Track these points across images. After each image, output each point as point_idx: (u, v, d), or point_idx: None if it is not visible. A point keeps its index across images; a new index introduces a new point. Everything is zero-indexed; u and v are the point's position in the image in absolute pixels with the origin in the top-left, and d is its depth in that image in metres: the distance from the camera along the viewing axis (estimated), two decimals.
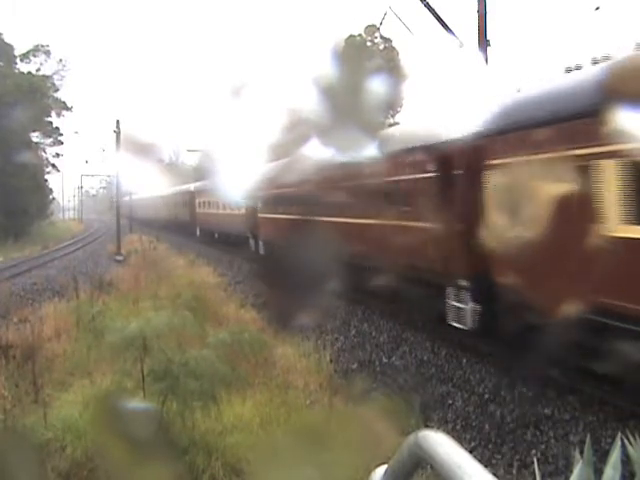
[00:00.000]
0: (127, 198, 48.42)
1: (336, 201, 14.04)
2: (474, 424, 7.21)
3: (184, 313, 6.67)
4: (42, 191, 46.32)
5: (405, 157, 11.86)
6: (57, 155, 49.20)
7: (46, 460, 4.79)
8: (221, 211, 30.04)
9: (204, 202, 34.65)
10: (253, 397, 6.73)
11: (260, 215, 22.77)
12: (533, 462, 4.39)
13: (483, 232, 8.82)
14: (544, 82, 9.97)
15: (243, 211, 25.79)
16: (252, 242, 24.51)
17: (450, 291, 10.32)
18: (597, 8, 15.64)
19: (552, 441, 6.54)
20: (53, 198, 57.81)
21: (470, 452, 1.23)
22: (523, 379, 7.91)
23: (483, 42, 14.84)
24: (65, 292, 14.38)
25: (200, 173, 39.77)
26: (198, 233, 36.70)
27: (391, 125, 26.68)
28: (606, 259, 6.41)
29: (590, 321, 6.72)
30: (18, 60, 43.58)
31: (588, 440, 2.67)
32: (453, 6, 35.01)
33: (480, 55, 14.85)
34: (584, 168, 6.98)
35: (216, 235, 32.37)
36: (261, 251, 22.74)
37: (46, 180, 48.93)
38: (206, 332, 7.60)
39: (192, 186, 37.76)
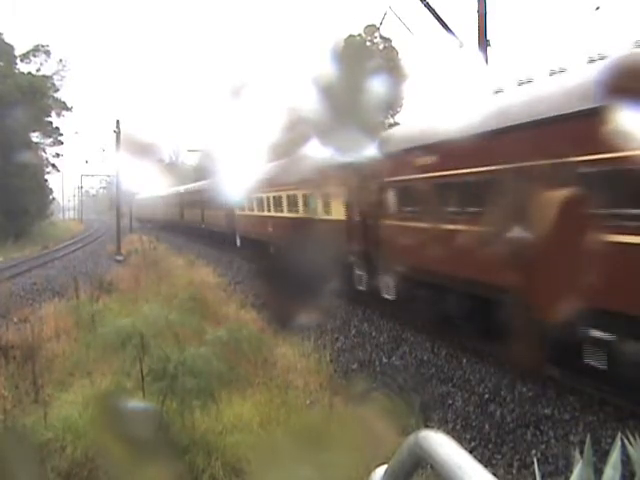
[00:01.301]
0: (135, 197, 46.26)
1: None
2: (474, 424, 7.20)
3: (181, 310, 6.65)
4: (42, 191, 46.30)
5: None
6: (57, 155, 49.24)
7: (46, 460, 4.79)
8: (287, 214, 19.50)
9: (250, 199, 23.97)
10: (253, 397, 6.73)
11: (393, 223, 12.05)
12: (533, 462, 4.39)
13: None
14: None
15: (341, 215, 14.77)
16: (362, 275, 13.77)
17: None
18: (597, 8, 15.64)
19: (552, 441, 6.53)
20: (53, 198, 57.79)
21: (470, 452, 1.23)
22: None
23: (483, 42, 14.85)
24: (65, 292, 14.39)
25: (200, 173, 39.40)
26: (239, 243, 26.64)
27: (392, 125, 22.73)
28: None
29: None
30: (18, 60, 43.55)
31: (588, 440, 2.67)
32: (453, 6, 35.14)
33: (480, 55, 14.86)
34: None
35: (272, 249, 19.87)
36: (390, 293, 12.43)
37: (46, 180, 48.94)
38: (205, 330, 7.60)
39: None
